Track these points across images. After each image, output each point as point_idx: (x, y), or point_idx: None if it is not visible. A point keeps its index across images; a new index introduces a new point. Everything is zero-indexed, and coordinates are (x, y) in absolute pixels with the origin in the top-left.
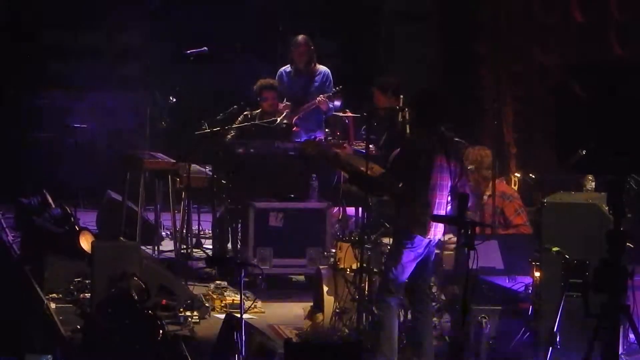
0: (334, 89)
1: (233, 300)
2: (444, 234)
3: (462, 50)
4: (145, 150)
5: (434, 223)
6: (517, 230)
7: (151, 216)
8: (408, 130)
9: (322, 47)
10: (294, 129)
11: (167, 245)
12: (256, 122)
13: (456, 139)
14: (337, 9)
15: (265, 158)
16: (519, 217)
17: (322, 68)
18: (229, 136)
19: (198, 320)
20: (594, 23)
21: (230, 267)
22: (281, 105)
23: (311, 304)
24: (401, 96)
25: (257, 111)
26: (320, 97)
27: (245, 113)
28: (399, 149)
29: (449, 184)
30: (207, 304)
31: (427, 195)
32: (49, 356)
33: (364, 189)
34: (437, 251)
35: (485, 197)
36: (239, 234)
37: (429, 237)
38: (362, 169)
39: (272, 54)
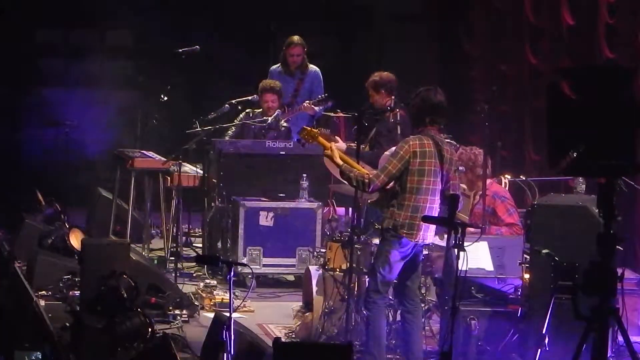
0: (319, 96)
1: (222, 299)
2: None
3: (454, 50)
4: (136, 148)
5: (424, 226)
6: (509, 228)
7: (141, 214)
8: (399, 131)
9: (315, 47)
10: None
11: (157, 243)
12: (247, 121)
13: (447, 140)
14: (330, 8)
15: (256, 157)
16: (512, 217)
17: (312, 69)
18: (229, 132)
19: (187, 319)
20: (584, 25)
21: (219, 266)
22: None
23: (300, 303)
24: (393, 95)
25: (259, 111)
26: (306, 104)
27: (247, 111)
28: (392, 149)
29: (441, 188)
30: (196, 303)
31: (418, 198)
32: (38, 353)
33: (354, 185)
34: (425, 252)
35: (477, 197)
36: (229, 233)
37: (416, 240)
38: (354, 164)
39: (264, 52)
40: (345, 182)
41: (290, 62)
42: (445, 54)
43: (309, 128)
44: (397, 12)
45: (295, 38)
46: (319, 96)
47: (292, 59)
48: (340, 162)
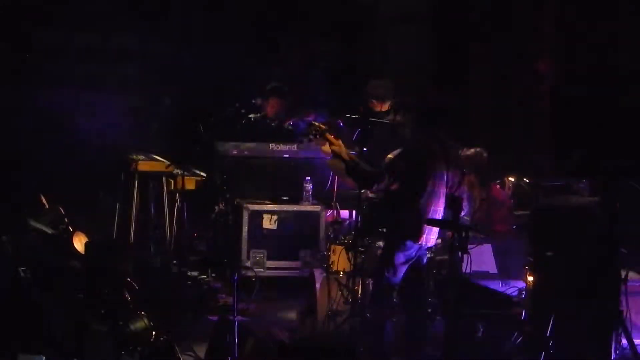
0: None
1: (226, 302)
2: (438, 239)
3: (456, 52)
4: (140, 151)
5: (427, 229)
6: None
7: (145, 218)
8: (402, 133)
9: (317, 48)
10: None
11: (161, 247)
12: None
13: (452, 143)
14: (332, 9)
15: (260, 160)
16: (503, 225)
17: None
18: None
19: (191, 322)
20: (587, 28)
21: (223, 269)
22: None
23: (304, 306)
24: (386, 101)
25: (259, 115)
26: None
27: (249, 116)
28: (399, 151)
29: (445, 192)
30: (200, 306)
31: (422, 201)
32: (42, 357)
33: (360, 181)
34: (429, 255)
35: (477, 201)
36: (233, 236)
37: (420, 242)
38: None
39: (267, 55)
40: (350, 179)
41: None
42: (447, 55)
43: (317, 124)
44: (399, 13)
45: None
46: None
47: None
48: (348, 159)
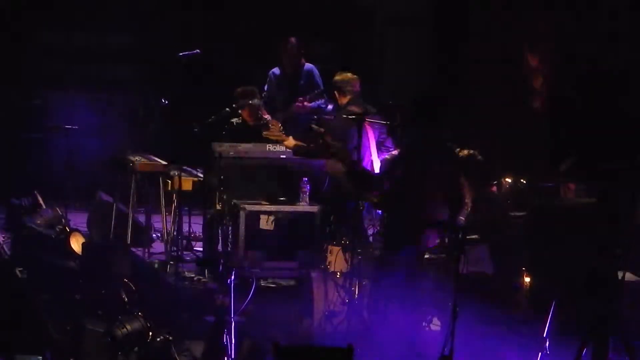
0: (316, 91)
1: (223, 302)
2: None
3: (453, 53)
4: (137, 152)
5: (426, 229)
6: None
7: (142, 218)
8: (400, 132)
9: (316, 50)
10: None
11: (158, 247)
12: (249, 124)
13: (449, 143)
14: (330, 11)
15: (257, 161)
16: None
17: (307, 66)
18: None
19: (188, 323)
20: (585, 29)
21: (220, 269)
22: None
23: (301, 307)
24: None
25: (239, 119)
26: (298, 104)
27: (232, 120)
28: (397, 152)
29: (443, 193)
30: (197, 307)
31: (421, 201)
32: (39, 357)
33: (361, 186)
34: (427, 255)
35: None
36: (230, 237)
37: (419, 243)
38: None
39: (265, 56)
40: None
41: (286, 64)
42: (444, 56)
43: (316, 127)
44: (397, 15)
45: (291, 39)
46: (315, 91)
47: (289, 60)
48: (350, 164)
